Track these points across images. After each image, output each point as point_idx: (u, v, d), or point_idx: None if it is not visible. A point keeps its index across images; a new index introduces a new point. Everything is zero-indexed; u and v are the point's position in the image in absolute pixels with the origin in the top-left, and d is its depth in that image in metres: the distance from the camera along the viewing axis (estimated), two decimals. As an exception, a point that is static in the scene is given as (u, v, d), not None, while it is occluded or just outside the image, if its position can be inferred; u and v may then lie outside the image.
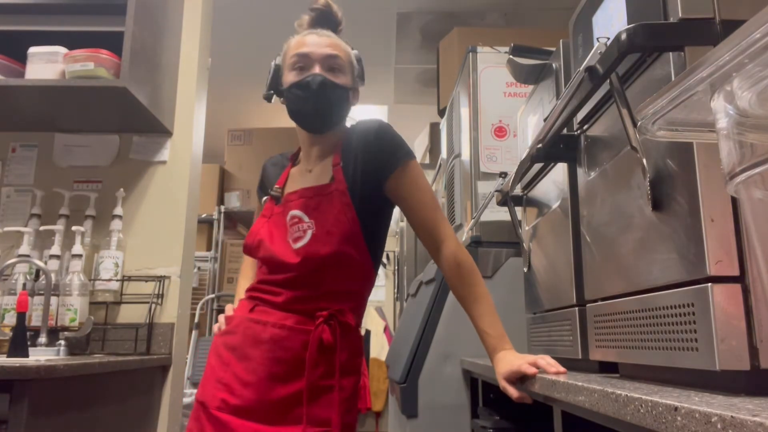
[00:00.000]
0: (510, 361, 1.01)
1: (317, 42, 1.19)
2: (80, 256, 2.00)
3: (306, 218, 1.18)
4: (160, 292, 2.12)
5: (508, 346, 1.07)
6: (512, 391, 1.00)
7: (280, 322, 1.16)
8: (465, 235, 1.94)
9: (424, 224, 1.20)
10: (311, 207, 1.18)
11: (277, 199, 1.26)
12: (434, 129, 3.46)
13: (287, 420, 1.12)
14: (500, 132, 1.99)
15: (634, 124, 0.77)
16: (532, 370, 0.95)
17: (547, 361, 0.96)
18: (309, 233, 1.16)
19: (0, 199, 2.22)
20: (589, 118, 1.05)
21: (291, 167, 1.32)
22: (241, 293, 1.36)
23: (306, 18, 1.28)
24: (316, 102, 1.16)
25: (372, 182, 1.20)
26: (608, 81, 0.83)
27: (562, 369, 0.94)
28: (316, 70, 1.17)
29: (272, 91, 1.25)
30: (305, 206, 1.19)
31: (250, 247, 1.24)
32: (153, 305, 2.10)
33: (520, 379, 0.99)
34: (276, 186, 1.28)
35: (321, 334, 1.13)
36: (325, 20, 1.27)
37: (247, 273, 1.43)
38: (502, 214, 1.85)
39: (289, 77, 1.20)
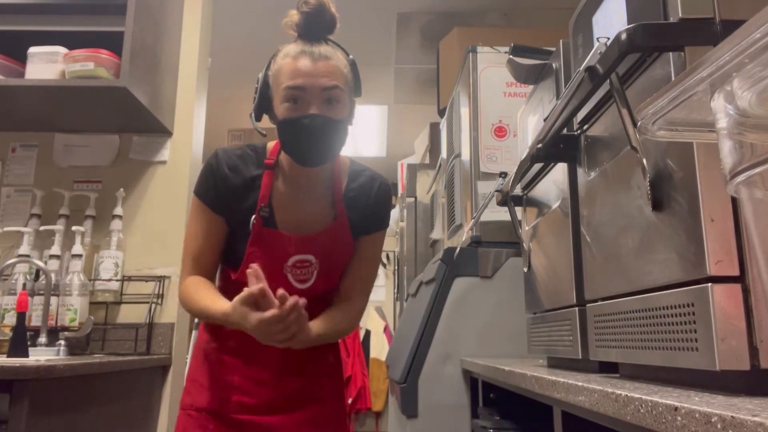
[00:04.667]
0: None
1: (312, 71, 1.07)
2: (80, 256, 2.00)
3: (314, 260, 1.19)
4: (160, 292, 2.12)
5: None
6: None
7: None
8: (465, 235, 1.94)
9: (354, 285, 1.25)
10: (319, 248, 1.19)
11: (266, 221, 1.15)
12: (434, 129, 3.46)
13: (303, 404, 1.21)
14: (500, 132, 1.99)
15: (634, 124, 0.77)
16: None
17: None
18: (315, 273, 1.19)
19: (0, 199, 2.22)
20: (589, 118, 1.05)
21: (270, 176, 1.18)
22: (213, 303, 1.10)
23: (296, 18, 1.12)
24: (314, 143, 1.09)
25: (360, 229, 1.25)
26: (608, 81, 0.83)
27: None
28: (313, 108, 1.07)
29: (262, 113, 1.17)
30: (314, 249, 1.18)
31: (240, 282, 1.13)
32: (153, 305, 2.10)
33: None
34: (263, 205, 1.15)
35: None
36: (317, 25, 1.12)
37: (204, 287, 1.16)
38: (502, 214, 1.85)
39: (282, 109, 1.10)
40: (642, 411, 0.57)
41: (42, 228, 2.06)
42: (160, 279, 2.12)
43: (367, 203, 1.24)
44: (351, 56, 1.16)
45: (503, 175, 1.57)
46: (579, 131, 1.09)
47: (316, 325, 1.12)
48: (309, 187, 1.20)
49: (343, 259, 1.23)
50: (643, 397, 0.57)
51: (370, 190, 1.25)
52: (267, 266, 1.12)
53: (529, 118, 1.44)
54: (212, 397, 1.17)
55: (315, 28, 1.12)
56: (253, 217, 1.15)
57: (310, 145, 1.09)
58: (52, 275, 1.94)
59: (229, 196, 1.16)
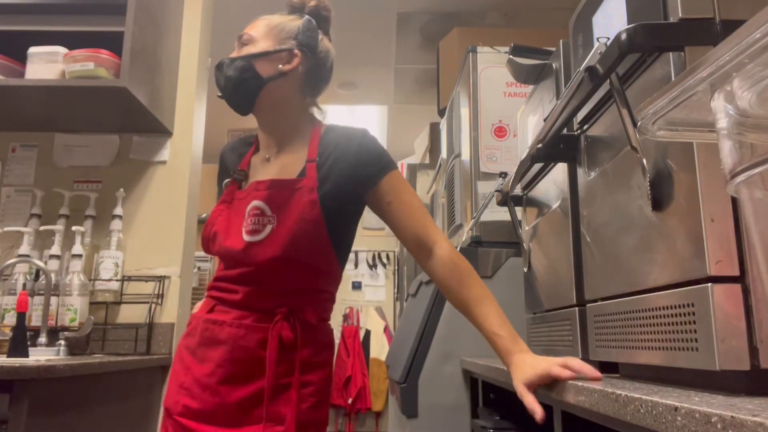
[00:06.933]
0: (533, 364, 0.88)
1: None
2: (80, 256, 2.00)
3: (269, 211, 1.11)
4: (160, 292, 2.12)
5: (525, 348, 0.96)
6: (531, 400, 0.86)
7: (238, 321, 1.11)
8: (465, 235, 1.94)
9: (412, 230, 1.13)
10: (277, 200, 1.12)
11: (241, 183, 1.20)
12: (434, 129, 3.46)
13: (247, 421, 1.08)
14: (500, 132, 1.99)
15: (634, 124, 0.77)
16: (566, 373, 0.82)
17: (580, 363, 0.83)
18: (268, 228, 1.10)
19: (0, 199, 2.22)
20: (589, 118, 1.05)
21: (253, 152, 1.26)
22: None
23: None
24: (222, 84, 1.18)
25: (348, 192, 1.15)
26: (608, 81, 0.83)
27: (598, 374, 0.82)
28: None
29: None
30: (270, 198, 1.12)
31: (206, 239, 1.18)
32: (153, 305, 2.10)
33: (547, 385, 0.86)
34: (239, 169, 1.22)
35: (280, 332, 1.09)
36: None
37: None
38: (502, 214, 1.85)
39: None
40: (642, 411, 0.57)
41: (42, 228, 2.06)
42: (160, 279, 2.12)
43: (336, 152, 1.16)
44: (306, 17, 1.24)
45: (503, 175, 1.57)
46: (579, 131, 1.09)
47: (490, 323, 1.03)
48: (277, 148, 1.21)
49: (300, 222, 1.09)
50: (643, 397, 0.57)
51: (340, 143, 1.17)
52: (229, 225, 1.15)
53: (529, 118, 1.44)
54: (168, 395, 1.15)
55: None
56: (227, 180, 1.22)
57: (220, 87, 1.19)
58: (52, 275, 1.94)
59: (226, 175, 1.26)
